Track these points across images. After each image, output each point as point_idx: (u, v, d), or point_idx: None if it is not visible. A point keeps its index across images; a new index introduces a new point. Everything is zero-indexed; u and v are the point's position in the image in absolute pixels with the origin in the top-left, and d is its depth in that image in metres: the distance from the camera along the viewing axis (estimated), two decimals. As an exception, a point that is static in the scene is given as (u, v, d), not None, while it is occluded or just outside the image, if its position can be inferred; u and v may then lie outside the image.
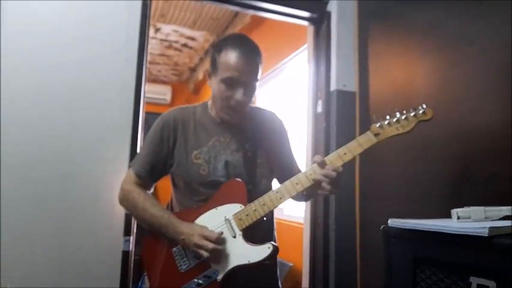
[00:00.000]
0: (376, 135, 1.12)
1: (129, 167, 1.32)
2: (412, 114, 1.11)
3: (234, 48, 1.18)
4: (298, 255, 2.44)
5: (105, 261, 1.68)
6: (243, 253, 1.14)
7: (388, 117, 1.12)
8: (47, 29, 1.71)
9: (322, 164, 1.12)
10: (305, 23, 2.37)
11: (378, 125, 1.12)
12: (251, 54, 1.19)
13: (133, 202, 1.25)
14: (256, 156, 1.28)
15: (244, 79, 1.17)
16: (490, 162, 1.37)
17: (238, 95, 1.17)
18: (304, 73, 2.61)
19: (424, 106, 1.11)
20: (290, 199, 1.24)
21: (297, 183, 1.15)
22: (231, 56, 1.17)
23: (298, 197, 1.30)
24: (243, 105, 1.21)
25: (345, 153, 1.12)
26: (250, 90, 1.21)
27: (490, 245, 0.85)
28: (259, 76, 1.23)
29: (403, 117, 1.11)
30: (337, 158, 1.13)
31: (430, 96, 1.65)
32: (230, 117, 1.24)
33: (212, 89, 1.25)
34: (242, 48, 1.18)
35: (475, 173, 1.43)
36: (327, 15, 2.28)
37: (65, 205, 1.66)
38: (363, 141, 1.12)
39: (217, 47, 1.22)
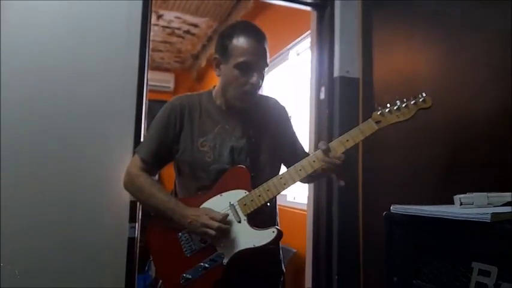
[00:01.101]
0: (377, 122, 1.15)
1: (135, 152, 1.33)
2: (412, 102, 1.14)
3: (245, 34, 1.21)
4: (301, 241, 2.46)
5: (110, 248, 1.69)
6: (248, 237, 1.17)
7: (389, 105, 1.16)
8: (48, 18, 1.70)
9: (326, 151, 1.15)
10: (308, 8, 2.34)
11: (379, 112, 1.16)
12: (262, 40, 1.24)
13: (140, 187, 1.27)
14: (260, 143, 1.30)
15: (258, 63, 1.21)
16: (491, 148, 1.38)
17: (254, 78, 1.20)
18: (307, 59, 2.59)
19: (424, 94, 1.14)
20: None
21: (300, 170, 1.18)
22: (244, 41, 1.20)
23: (304, 179, 1.31)
24: (257, 89, 1.23)
25: (347, 140, 1.16)
26: (262, 75, 1.24)
27: (492, 231, 0.86)
28: (268, 62, 1.25)
29: (403, 105, 1.15)
30: (339, 145, 1.16)
31: (432, 82, 1.64)
32: (244, 104, 1.25)
33: (222, 77, 1.26)
34: (253, 34, 1.22)
35: (477, 159, 1.43)
36: (330, 1, 2.24)
37: (69, 192, 1.67)
38: (365, 129, 1.15)
39: (227, 35, 1.24)
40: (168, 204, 1.22)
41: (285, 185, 1.19)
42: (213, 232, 1.14)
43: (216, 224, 1.13)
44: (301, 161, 1.19)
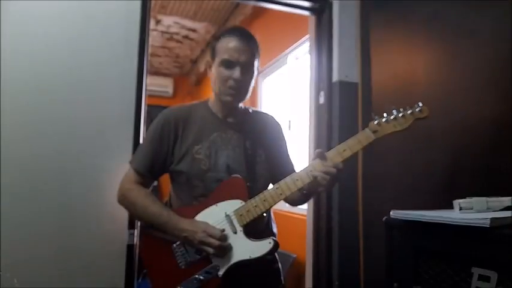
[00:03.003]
0: (374, 132, 1.15)
1: (129, 164, 1.33)
2: (409, 112, 1.15)
3: (230, 35, 1.28)
4: (301, 246, 2.46)
5: (109, 255, 1.69)
6: (244, 249, 1.16)
7: (385, 114, 1.16)
8: (46, 22, 1.71)
9: (322, 158, 1.14)
10: (306, 13, 2.35)
11: (375, 122, 1.16)
12: (246, 39, 1.28)
13: (133, 200, 1.26)
14: (256, 154, 1.30)
15: (240, 59, 1.25)
16: (491, 152, 1.38)
17: (236, 73, 1.24)
18: (306, 64, 2.60)
19: (420, 104, 1.15)
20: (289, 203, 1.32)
21: (297, 180, 1.17)
22: (228, 41, 1.27)
23: (297, 200, 1.34)
24: (241, 85, 1.26)
25: (344, 150, 1.15)
26: (247, 71, 1.27)
27: (491, 236, 0.86)
28: (256, 61, 1.29)
29: (400, 114, 1.15)
30: (336, 155, 1.15)
31: (430, 87, 1.65)
32: (230, 98, 1.27)
33: (212, 77, 1.31)
34: (238, 34, 1.28)
35: (477, 163, 1.43)
36: (329, 5, 2.25)
37: (68, 199, 1.67)
38: (362, 139, 1.15)
39: (216, 37, 1.32)
40: (161, 217, 1.20)
41: (282, 195, 1.18)
42: (211, 250, 1.13)
43: (216, 243, 1.13)
44: (298, 172, 1.18)
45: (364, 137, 1.15)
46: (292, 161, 1.44)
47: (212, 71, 1.30)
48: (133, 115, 1.78)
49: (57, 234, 1.64)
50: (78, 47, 1.74)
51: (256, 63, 1.29)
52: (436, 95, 1.60)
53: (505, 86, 1.33)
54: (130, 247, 1.72)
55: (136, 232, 1.73)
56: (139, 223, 1.75)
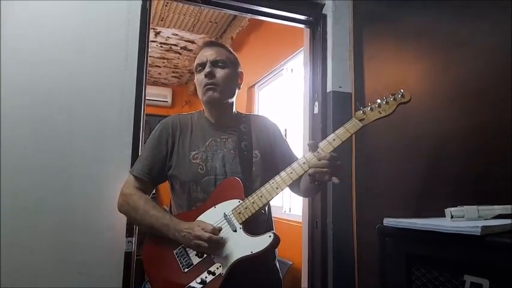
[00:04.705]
0: (361, 120, 1.20)
1: (129, 172, 1.36)
2: (392, 98, 1.21)
3: (202, 47, 1.41)
4: (297, 254, 2.46)
5: (107, 262, 1.69)
6: (245, 245, 1.16)
7: (370, 104, 1.22)
8: (46, 32, 1.72)
9: (314, 148, 1.18)
10: (301, 26, 2.39)
11: (361, 111, 1.21)
12: (216, 44, 1.41)
13: (134, 205, 1.28)
14: (251, 155, 1.33)
15: (209, 58, 1.34)
16: (481, 161, 1.39)
17: (206, 69, 1.32)
18: (301, 75, 2.63)
19: (402, 90, 1.21)
20: (300, 195, 1.38)
21: (291, 172, 1.20)
22: (200, 52, 1.39)
23: (310, 190, 1.34)
24: (216, 80, 1.32)
25: (333, 139, 1.20)
26: (219, 67, 1.34)
27: (483, 244, 0.86)
28: (228, 59, 1.37)
29: (383, 101, 1.21)
30: (327, 145, 1.20)
31: (422, 96, 1.67)
32: (212, 93, 1.33)
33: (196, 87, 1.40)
34: (208, 43, 1.41)
35: (469, 172, 1.45)
36: (323, 18, 2.30)
37: (67, 207, 1.67)
38: (349, 127, 1.20)
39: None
40: (163, 220, 1.22)
41: (278, 189, 1.20)
42: (205, 244, 1.14)
43: (206, 235, 1.13)
44: (291, 164, 1.21)
45: (351, 125, 1.20)
46: (295, 155, 1.45)
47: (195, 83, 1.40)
48: (133, 124, 1.80)
49: (55, 241, 1.64)
50: (78, 57, 1.76)
51: (229, 60, 1.37)
52: (427, 104, 1.63)
53: (494, 96, 1.36)
54: (128, 254, 1.72)
55: (134, 239, 1.74)
56: (137, 231, 1.75)
